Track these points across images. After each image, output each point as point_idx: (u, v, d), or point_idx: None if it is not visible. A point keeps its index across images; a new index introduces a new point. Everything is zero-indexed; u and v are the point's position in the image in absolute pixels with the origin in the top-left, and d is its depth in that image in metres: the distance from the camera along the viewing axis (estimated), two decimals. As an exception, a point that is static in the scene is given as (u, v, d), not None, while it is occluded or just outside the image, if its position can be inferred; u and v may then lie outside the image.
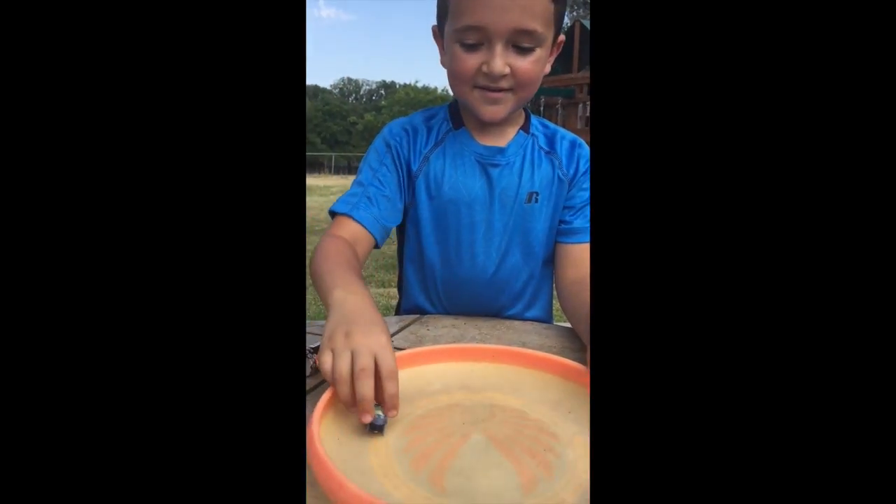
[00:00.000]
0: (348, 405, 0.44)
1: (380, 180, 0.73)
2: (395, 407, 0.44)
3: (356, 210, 0.70)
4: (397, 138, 0.75)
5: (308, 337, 0.63)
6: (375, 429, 0.43)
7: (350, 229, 0.69)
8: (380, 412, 0.44)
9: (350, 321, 0.47)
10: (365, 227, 0.70)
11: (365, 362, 0.43)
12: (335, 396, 0.46)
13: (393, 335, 0.70)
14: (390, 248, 0.85)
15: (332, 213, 0.72)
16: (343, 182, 9.87)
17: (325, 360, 0.45)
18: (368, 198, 0.71)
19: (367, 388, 0.43)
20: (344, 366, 0.43)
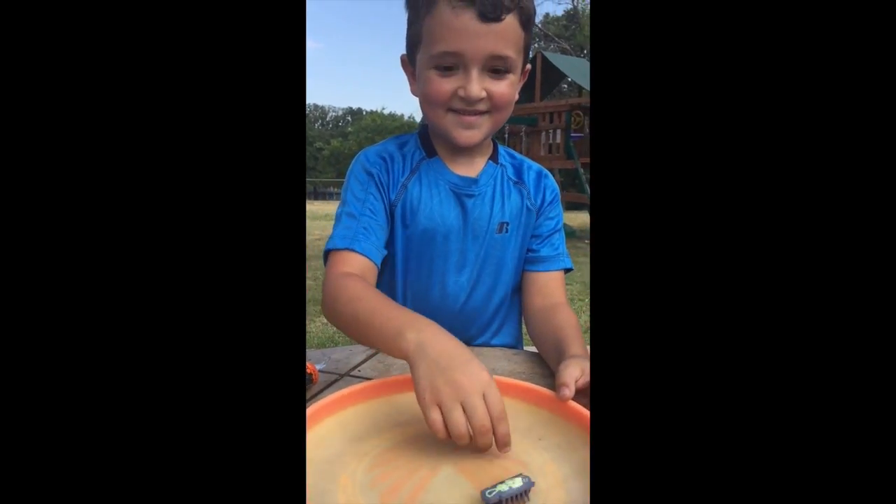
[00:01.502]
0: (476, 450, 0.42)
1: (371, 210, 0.71)
2: (508, 445, 0.42)
3: (357, 242, 0.68)
4: (377, 166, 0.74)
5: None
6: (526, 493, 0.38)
7: (356, 263, 0.67)
8: (518, 481, 0.38)
9: (446, 367, 0.44)
10: (369, 258, 0.68)
11: (482, 418, 0.41)
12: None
13: (360, 364, 0.68)
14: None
15: (328, 252, 0.68)
16: (310, 208, 9.76)
17: (436, 420, 0.41)
18: (364, 228, 0.70)
19: (489, 441, 0.42)
20: (460, 422, 0.41)
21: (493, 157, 0.78)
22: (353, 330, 0.56)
